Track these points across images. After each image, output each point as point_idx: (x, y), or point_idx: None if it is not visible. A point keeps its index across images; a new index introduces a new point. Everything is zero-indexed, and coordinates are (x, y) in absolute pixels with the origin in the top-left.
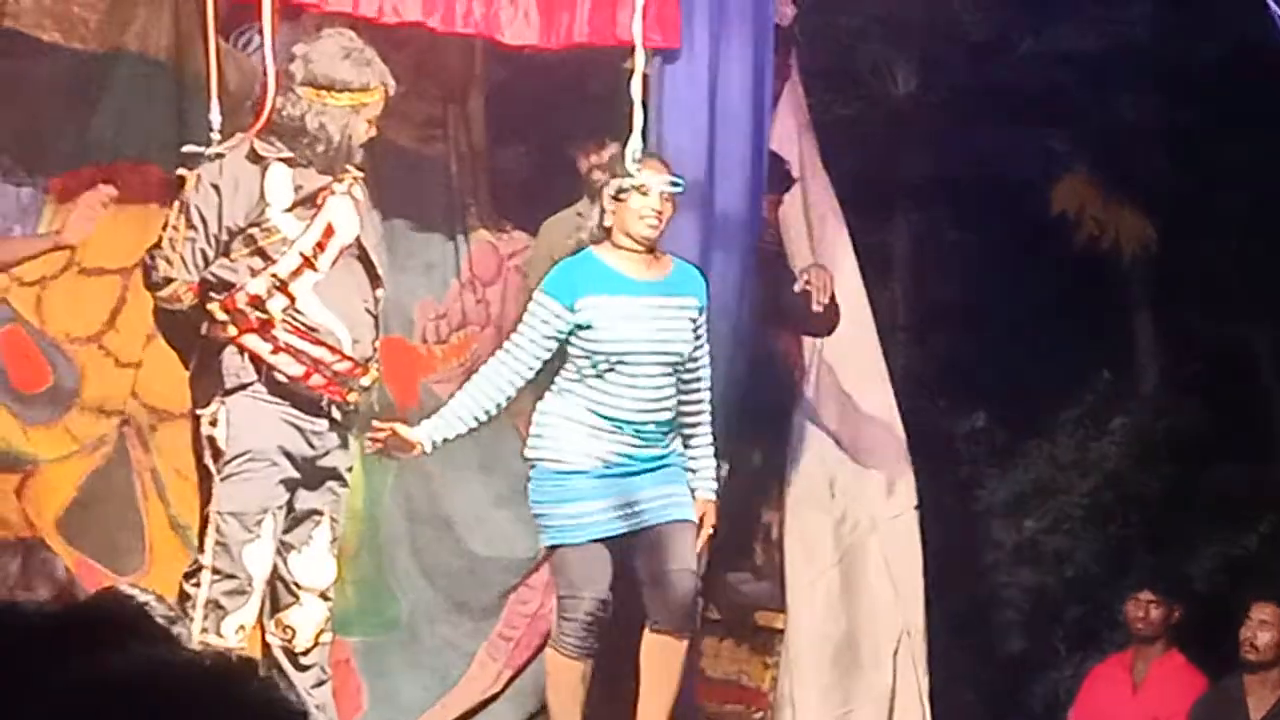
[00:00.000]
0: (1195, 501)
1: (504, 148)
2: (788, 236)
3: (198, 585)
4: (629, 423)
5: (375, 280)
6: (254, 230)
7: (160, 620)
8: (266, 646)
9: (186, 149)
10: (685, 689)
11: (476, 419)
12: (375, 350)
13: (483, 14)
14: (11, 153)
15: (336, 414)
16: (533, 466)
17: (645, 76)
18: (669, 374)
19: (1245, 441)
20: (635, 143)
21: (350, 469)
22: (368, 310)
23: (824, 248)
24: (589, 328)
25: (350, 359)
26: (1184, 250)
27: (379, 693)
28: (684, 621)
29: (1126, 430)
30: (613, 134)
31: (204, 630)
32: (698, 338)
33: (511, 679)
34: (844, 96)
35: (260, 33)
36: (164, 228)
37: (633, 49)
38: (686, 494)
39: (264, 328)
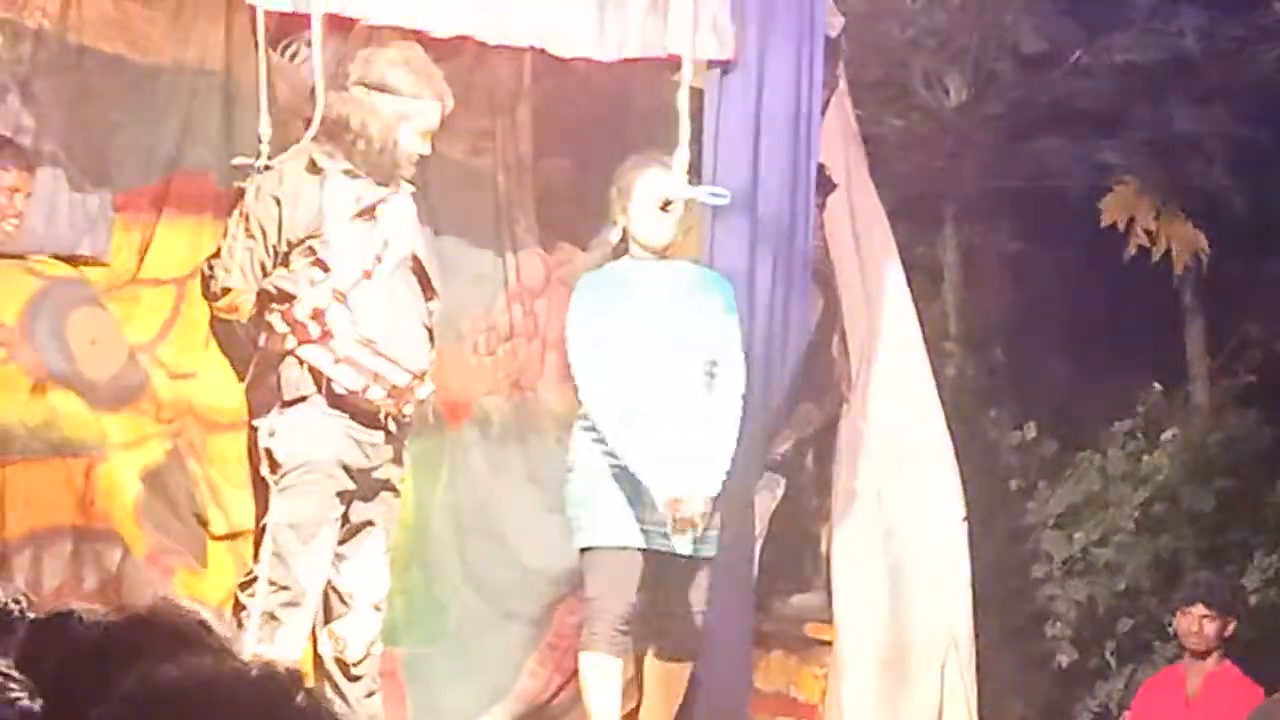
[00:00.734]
0: (1248, 514)
1: (551, 160)
2: (834, 247)
3: (253, 596)
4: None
5: (430, 292)
6: (313, 241)
7: (213, 632)
8: (318, 657)
9: (237, 161)
10: (741, 705)
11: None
12: (431, 362)
13: (535, 26)
14: (79, 164)
15: (392, 426)
16: (571, 471)
17: (694, 89)
18: (698, 378)
19: None
20: (683, 154)
21: (404, 480)
22: (423, 323)
23: (870, 259)
24: (624, 323)
25: (409, 371)
26: (1237, 261)
27: (425, 704)
28: (689, 653)
29: (1179, 442)
30: (661, 147)
31: (259, 641)
32: (725, 334)
33: (562, 686)
34: (895, 107)
35: (307, 44)
36: (223, 237)
37: (679, 60)
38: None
39: (323, 339)
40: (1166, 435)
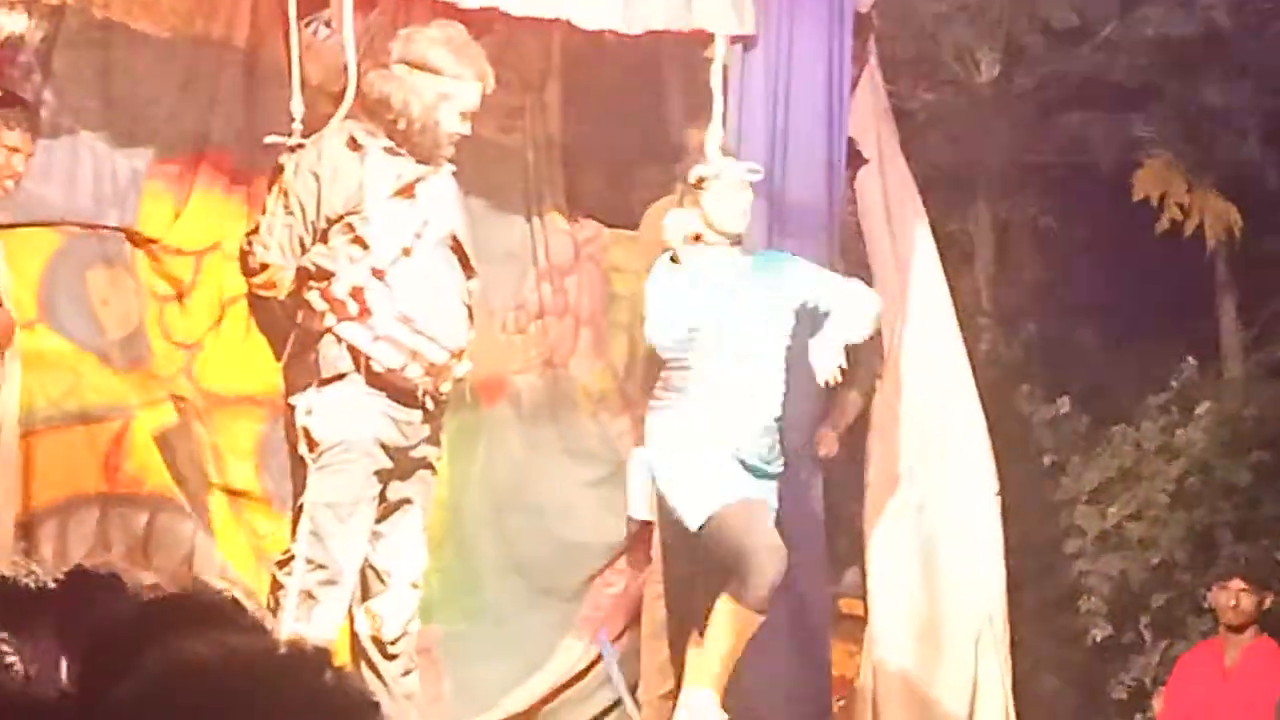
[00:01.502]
0: None
1: (580, 138)
2: (866, 224)
3: (290, 574)
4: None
5: (469, 271)
6: (353, 218)
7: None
8: (355, 635)
9: (269, 140)
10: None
11: None
12: (469, 341)
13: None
14: (107, 139)
15: (430, 404)
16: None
17: (726, 66)
18: (754, 376)
19: None
20: (715, 131)
21: (440, 458)
22: (462, 301)
23: (902, 235)
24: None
25: (448, 349)
26: (1270, 234)
27: (461, 681)
28: (758, 600)
29: (1212, 416)
30: (689, 122)
31: (296, 620)
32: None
33: (596, 660)
34: (927, 83)
35: (328, 24)
36: (262, 213)
37: (709, 36)
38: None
39: (362, 317)
40: (1200, 409)
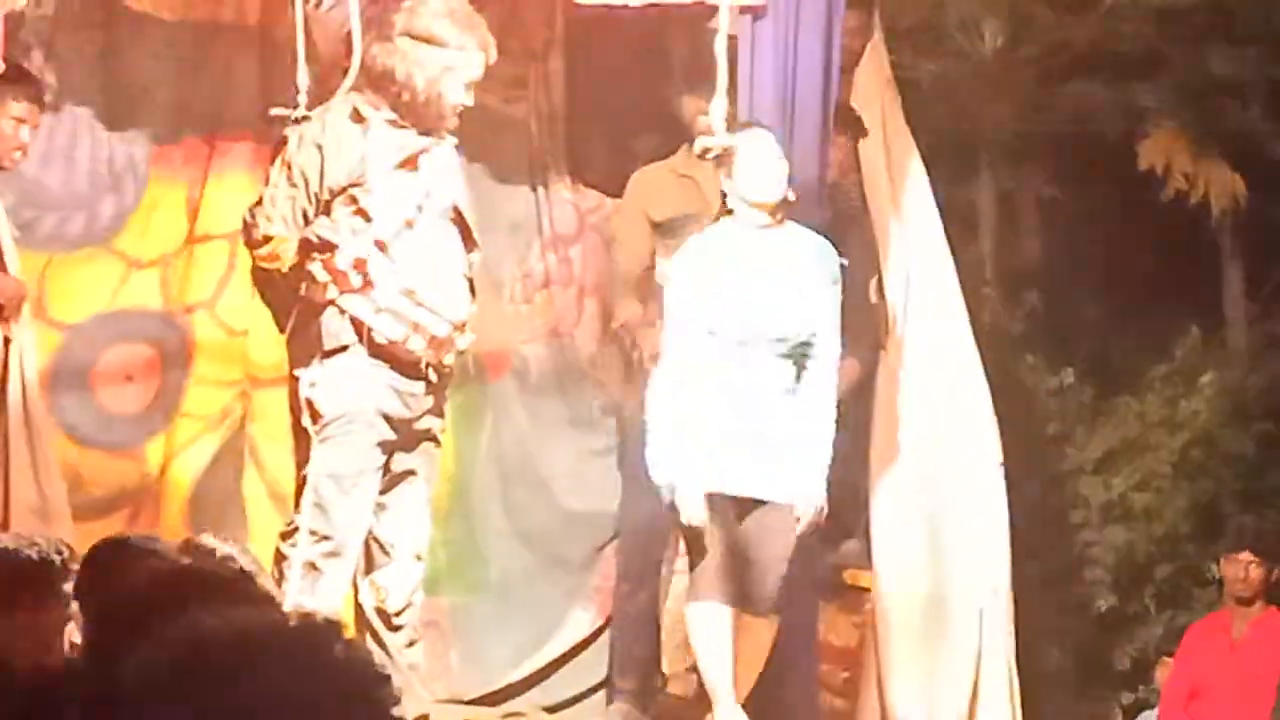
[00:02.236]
0: None
1: (584, 108)
2: (870, 194)
3: (294, 546)
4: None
5: (470, 243)
6: (355, 190)
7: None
8: (359, 607)
9: (274, 112)
10: (807, 663)
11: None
12: (471, 313)
13: None
14: (110, 122)
15: (432, 376)
16: (649, 424)
17: (731, 37)
18: (788, 368)
19: None
20: (720, 103)
21: (444, 430)
22: (464, 273)
23: (907, 206)
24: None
25: (449, 321)
26: (1275, 204)
27: (469, 653)
28: (766, 606)
29: (1216, 387)
30: (693, 93)
31: (300, 592)
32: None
33: (603, 627)
34: (932, 53)
35: None
36: (265, 185)
37: (713, 8)
38: (811, 478)
39: (364, 289)
40: (1204, 379)
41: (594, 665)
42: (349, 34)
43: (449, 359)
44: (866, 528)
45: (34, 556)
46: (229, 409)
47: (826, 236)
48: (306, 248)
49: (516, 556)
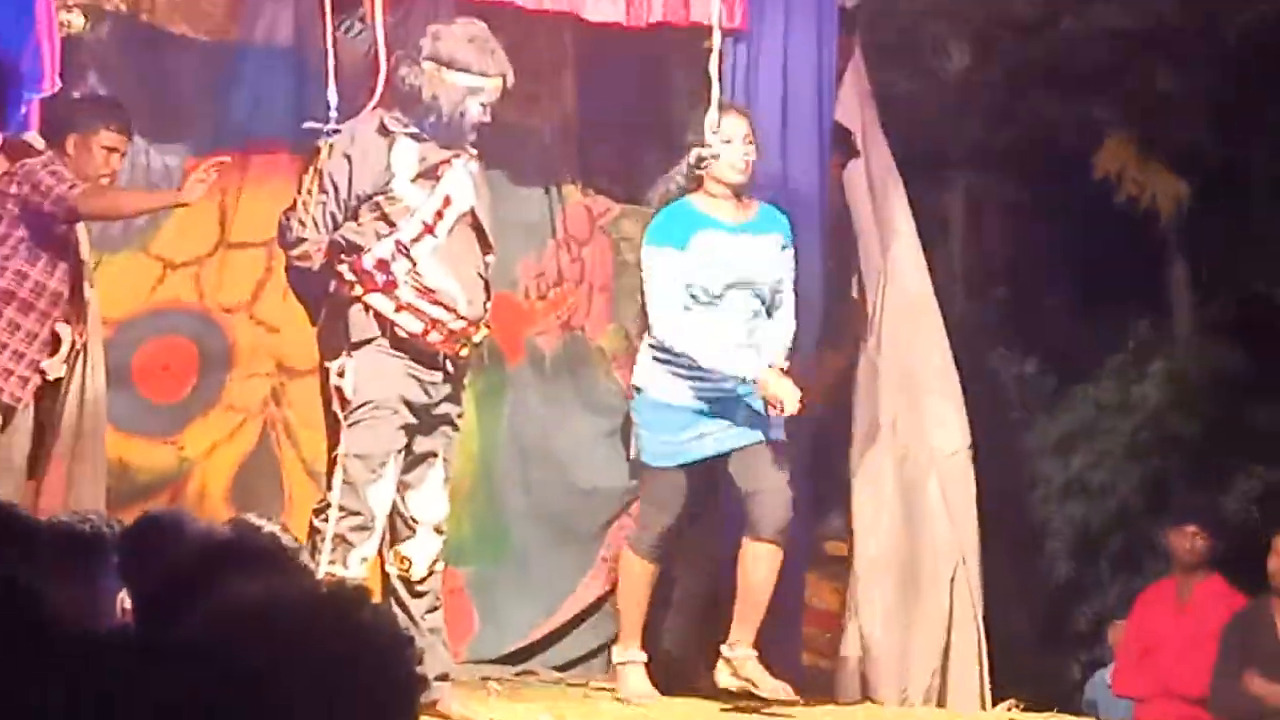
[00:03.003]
0: (1229, 439)
1: (593, 121)
2: (851, 199)
3: (326, 521)
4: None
5: (486, 247)
6: (380, 198)
7: (290, 555)
8: (385, 576)
9: (306, 125)
10: (793, 619)
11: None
12: (486, 310)
13: None
14: (149, 135)
15: (450, 367)
16: (638, 391)
17: (721, 55)
18: (759, 307)
19: (1273, 384)
20: (712, 114)
21: (461, 415)
22: (479, 274)
23: (884, 210)
24: (693, 265)
25: (464, 318)
26: (1216, 207)
27: (489, 617)
28: (773, 533)
29: (1165, 374)
30: (691, 107)
31: (331, 562)
32: (784, 267)
33: (607, 594)
34: (905, 72)
35: (361, 20)
36: (299, 191)
37: (708, 29)
38: (761, 416)
39: (388, 288)
40: (1154, 367)
41: (599, 628)
42: (375, 56)
43: (465, 352)
44: (847, 503)
45: (87, 530)
46: (267, 399)
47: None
48: (335, 249)
49: (532, 529)
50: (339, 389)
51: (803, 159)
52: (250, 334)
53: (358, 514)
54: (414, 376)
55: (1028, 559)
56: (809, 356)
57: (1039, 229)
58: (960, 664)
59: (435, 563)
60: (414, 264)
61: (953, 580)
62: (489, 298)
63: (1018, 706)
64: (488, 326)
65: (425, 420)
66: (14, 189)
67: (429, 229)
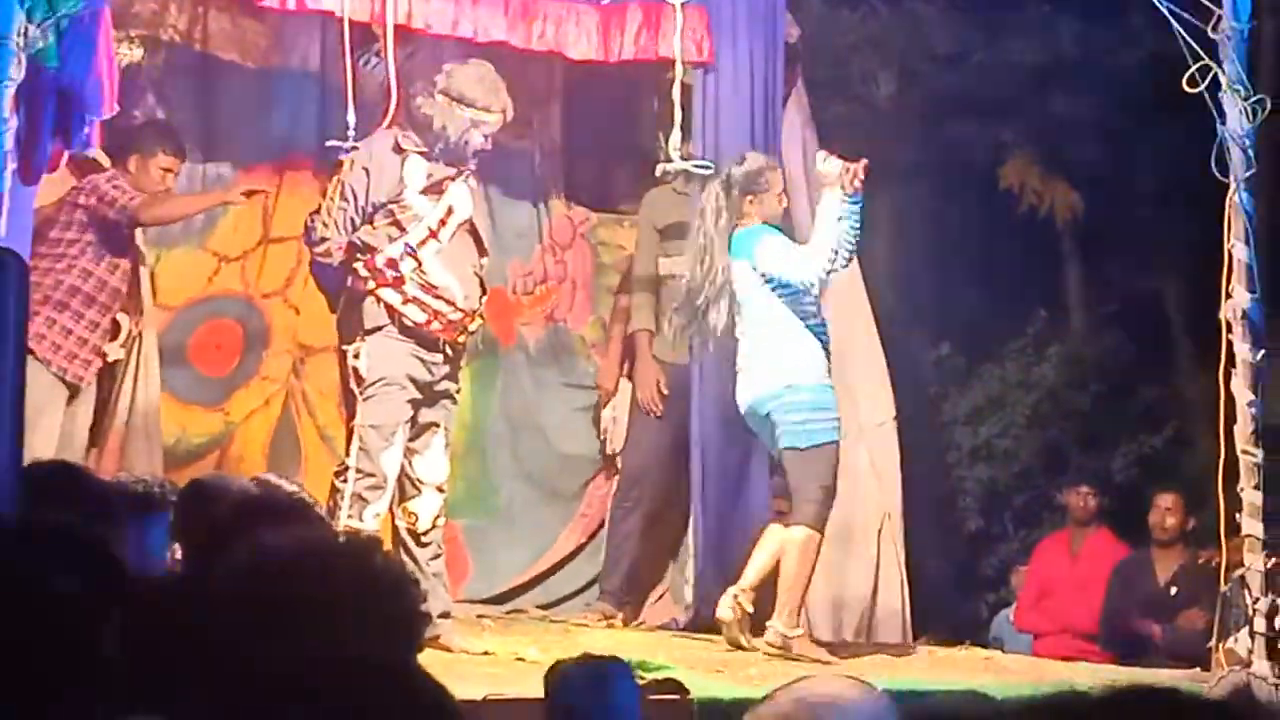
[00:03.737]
0: (1114, 412)
1: (577, 143)
2: (794, 208)
3: (345, 482)
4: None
5: (482, 250)
6: (393, 206)
7: (312, 508)
8: (395, 529)
9: (329, 144)
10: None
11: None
12: (481, 304)
13: (553, 34)
14: (202, 149)
15: (449, 351)
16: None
17: (685, 85)
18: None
19: (1153, 365)
20: (676, 136)
21: (459, 391)
22: (476, 273)
23: (821, 217)
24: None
25: (462, 310)
26: (1105, 216)
27: (483, 563)
28: (816, 522)
29: (1061, 357)
30: (661, 129)
31: (349, 517)
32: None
33: (584, 544)
34: (840, 98)
35: (377, 54)
36: (324, 197)
37: (673, 63)
38: (832, 419)
39: (396, 284)
40: (1051, 350)
41: (578, 573)
42: (388, 85)
43: (462, 338)
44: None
45: (139, 489)
46: (290, 371)
47: None
48: (352, 249)
49: (520, 488)
50: (355, 369)
51: None
52: (282, 315)
53: (372, 475)
54: (418, 358)
55: (944, 514)
56: None
57: (953, 233)
58: (886, 605)
59: (438, 517)
60: (419, 264)
61: (880, 533)
62: (484, 293)
63: (934, 640)
64: (481, 318)
65: (429, 395)
66: (82, 199)
67: (433, 234)
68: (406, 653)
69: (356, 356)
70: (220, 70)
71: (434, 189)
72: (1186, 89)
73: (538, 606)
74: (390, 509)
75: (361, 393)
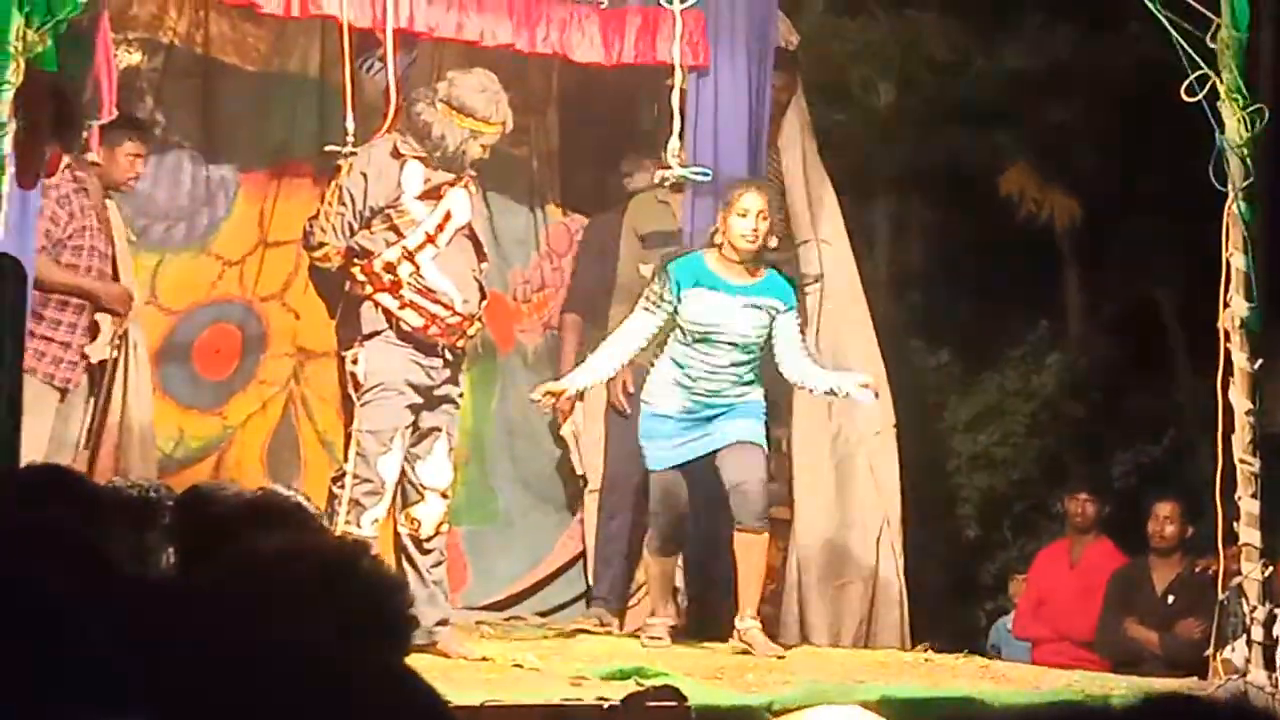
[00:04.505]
0: (1114, 420)
1: (574, 151)
2: (792, 216)
3: (342, 487)
4: (708, 380)
5: (481, 255)
6: (390, 211)
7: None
8: (397, 535)
9: (328, 148)
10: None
11: (607, 372)
12: (481, 308)
13: (558, 37)
14: (204, 151)
15: (449, 355)
16: (645, 405)
17: (684, 91)
18: (745, 353)
19: (1152, 373)
20: (674, 143)
21: (461, 395)
22: (475, 278)
23: (820, 222)
24: (685, 311)
25: (460, 314)
26: (1104, 224)
27: (481, 569)
28: (755, 520)
29: (1059, 365)
30: (658, 138)
31: (347, 522)
32: (778, 333)
33: (582, 551)
34: (839, 106)
35: (380, 59)
36: (322, 201)
37: (670, 68)
38: (755, 425)
39: (394, 288)
40: (1050, 359)
41: (575, 581)
42: (389, 91)
43: (462, 343)
44: (789, 473)
45: (135, 494)
46: (290, 376)
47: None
48: (350, 254)
49: (518, 495)
50: (353, 374)
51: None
52: (280, 319)
53: (369, 481)
54: (417, 363)
55: (942, 522)
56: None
57: (952, 241)
58: (884, 612)
59: (441, 524)
60: (417, 268)
61: (878, 540)
62: (484, 298)
63: (933, 648)
64: (481, 321)
65: (429, 400)
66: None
67: (431, 239)
68: (392, 656)
69: (354, 362)
70: (220, 74)
71: (432, 194)
72: (1185, 98)
73: (536, 614)
74: (392, 515)
75: (359, 398)
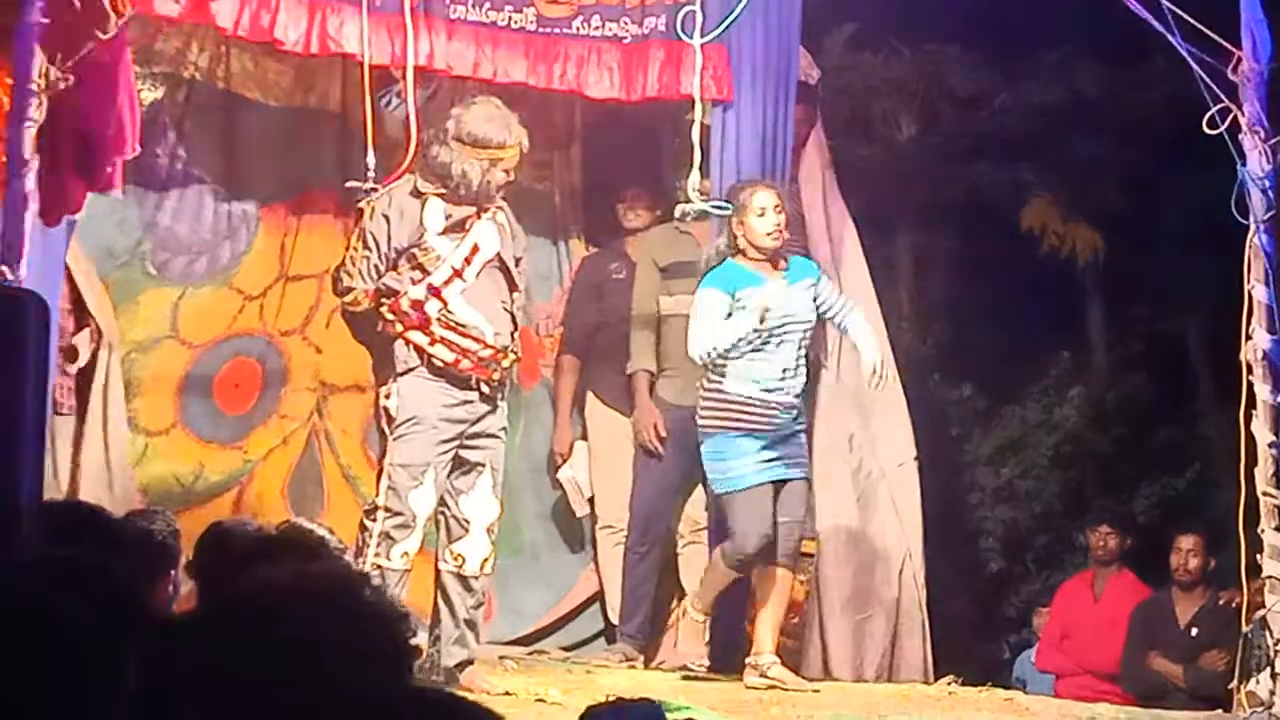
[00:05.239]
0: (1137, 453)
1: (596, 185)
2: (813, 248)
3: (375, 521)
4: (779, 386)
5: (513, 286)
6: (415, 249)
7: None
8: (438, 573)
9: (349, 184)
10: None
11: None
12: (514, 339)
13: (575, 74)
14: (225, 185)
15: (485, 389)
16: (708, 434)
17: (703, 125)
18: (801, 347)
19: (1174, 406)
20: (695, 177)
21: (504, 429)
22: (506, 309)
23: (841, 256)
24: (753, 304)
25: (492, 347)
26: (1126, 257)
27: (506, 604)
28: (788, 558)
29: (1082, 398)
30: (679, 172)
31: (377, 555)
32: (821, 299)
33: (601, 591)
34: (860, 140)
35: (399, 95)
36: (347, 248)
37: (691, 102)
38: (803, 454)
39: (423, 325)
40: (1073, 392)
41: (596, 617)
42: (409, 126)
43: (496, 375)
44: (811, 507)
45: (155, 530)
46: (313, 410)
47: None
48: (378, 295)
49: (543, 530)
50: (385, 409)
51: None
52: (301, 353)
53: (400, 514)
54: (451, 398)
55: (965, 555)
56: None
57: (974, 274)
58: (907, 645)
59: (486, 562)
60: (445, 303)
61: (901, 573)
62: (516, 329)
63: (956, 681)
64: (515, 354)
65: (467, 435)
66: None
67: (458, 273)
68: (395, 685)
69: (387, 397)
70: (241, 109)
71: (456, 228)
72: (1206, 130)
73: (561, 648)
74: (436, 552)
75: (391, 432)
